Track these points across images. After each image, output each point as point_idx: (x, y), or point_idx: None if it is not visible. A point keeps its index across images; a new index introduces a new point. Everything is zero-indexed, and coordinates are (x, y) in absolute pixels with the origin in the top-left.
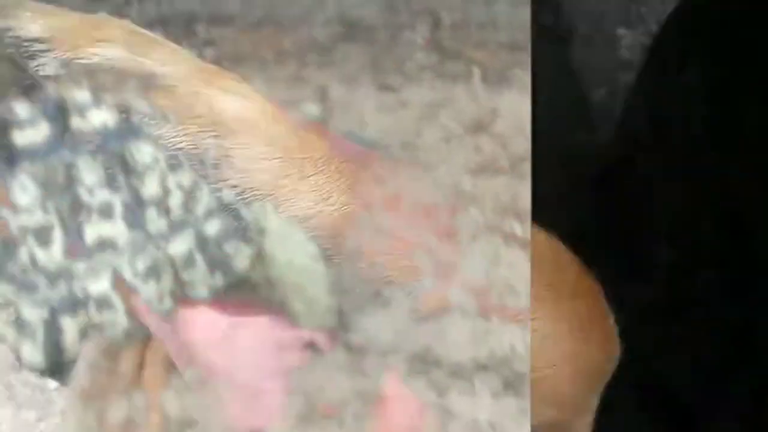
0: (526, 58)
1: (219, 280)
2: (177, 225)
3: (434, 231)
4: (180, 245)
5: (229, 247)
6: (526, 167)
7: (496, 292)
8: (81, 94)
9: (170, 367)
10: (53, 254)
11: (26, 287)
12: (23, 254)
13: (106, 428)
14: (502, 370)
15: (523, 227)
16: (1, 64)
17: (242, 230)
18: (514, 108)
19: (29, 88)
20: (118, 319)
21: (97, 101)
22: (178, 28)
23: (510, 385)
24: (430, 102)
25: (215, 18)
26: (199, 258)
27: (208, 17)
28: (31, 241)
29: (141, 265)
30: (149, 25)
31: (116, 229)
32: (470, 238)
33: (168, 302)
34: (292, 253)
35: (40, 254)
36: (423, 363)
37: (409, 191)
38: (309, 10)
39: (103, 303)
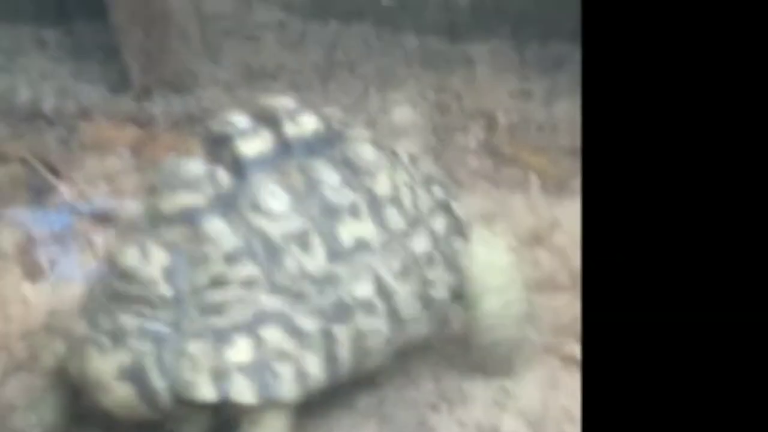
0: None
1: (452, 278)
2: (413, 223)
3: None
4: (420, 243)
5: (457, 243)
6: None
7: (554, 421)
8: (286, 101)
9: None
10: (317, 259)
11: (298, 297)
12: (290, 263)
13: None
14: None
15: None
16: (11, 166)
17: (460, 226)
18: (576, 219)
19: (42, 189)
20: (380, 326)
21: (301, 108)
22: None
23: None
24: (483, 212)
25: None
26: (437, 255)
27: None
28: (294, 248)
29: (395, 265)
30: None
31: (367, 229)
32: (525, 361)
33: (417, 305)
34: (494, 254)
35: (306, 261)
36: None
37: None
38: None
39: (368, 308)
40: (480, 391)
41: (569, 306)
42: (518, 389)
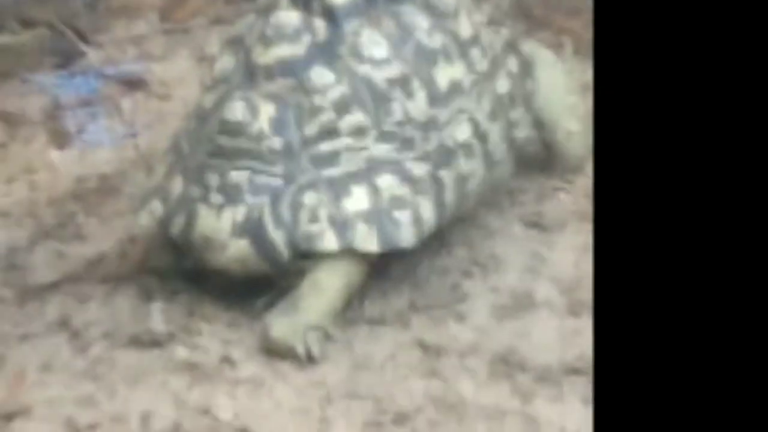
0: None
1: (529, 118)
2: (493, 63)
3: (519, 217)
4: (502, 84)
5: (528, 83)
6: None
7: (586, 287)
8: None
9: None
10: (419, 104)
11: (405, 143)
12: (396, 109)
13: None
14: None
15: None
16: (38, 30)
17: (527, 66)
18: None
19: (69, 54)
20: (478, 168)
21: None
22: None
23: None
24: None
25: None
26: (516, 96)
27: None
28: (398, 93)
29: (486, 106)
30: None
31: (459, 72)
32: (559, 226)
33: (504, 146)
34: (558, 73)
35: (410, 106)
36: (506, 366)
37: None
38: None
39: (468, 151)
40: (513, 257)
41: None
42: (551, 255)
